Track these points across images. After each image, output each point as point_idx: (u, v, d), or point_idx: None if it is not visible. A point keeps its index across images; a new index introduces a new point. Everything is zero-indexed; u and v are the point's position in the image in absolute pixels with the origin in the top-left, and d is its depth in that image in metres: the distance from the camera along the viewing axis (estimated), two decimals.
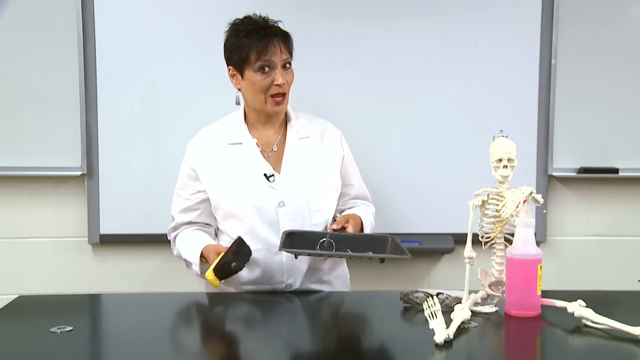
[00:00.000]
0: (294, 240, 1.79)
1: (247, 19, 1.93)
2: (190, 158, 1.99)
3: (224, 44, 1.95)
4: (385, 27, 2.52)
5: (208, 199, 1.97)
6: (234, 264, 1.75)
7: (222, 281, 1.78)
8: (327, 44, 2.50)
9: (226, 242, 1.91)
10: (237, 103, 2.00)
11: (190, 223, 1.99)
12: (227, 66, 1.96)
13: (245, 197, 1.91)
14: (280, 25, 1.94)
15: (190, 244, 1.94)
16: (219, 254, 1.78)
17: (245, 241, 1.79)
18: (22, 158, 2.51)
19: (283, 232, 1.80)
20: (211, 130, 2.02)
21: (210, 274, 1.75)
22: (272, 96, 1.90)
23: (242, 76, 1.92)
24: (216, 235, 2.03)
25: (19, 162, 2.51)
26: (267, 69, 1.88)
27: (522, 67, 2.55)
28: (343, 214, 2.01)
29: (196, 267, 1.88)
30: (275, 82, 1.88)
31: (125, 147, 2.51)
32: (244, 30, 1.90)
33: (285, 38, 1.92)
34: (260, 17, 1.93)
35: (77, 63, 2.47)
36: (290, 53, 1.94)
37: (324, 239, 1.81)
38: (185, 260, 1.94)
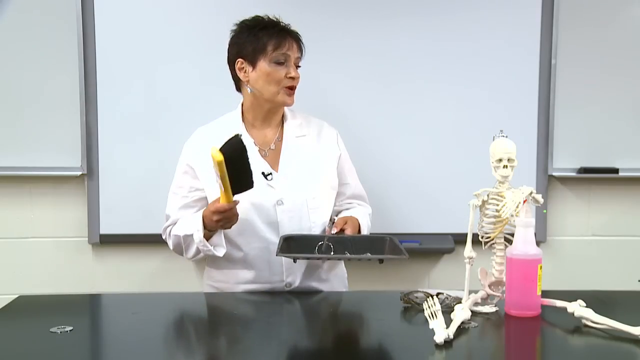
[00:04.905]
0: (291, 245, 1.78)
1: (260, 18, 1.97)
2: (187, 157, 1.99)
3: (232, 39, 1.98)
4: (385, 28, 2.52)
5: (205, 198, 1.96)
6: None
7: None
8: (326, 45, 2.50)
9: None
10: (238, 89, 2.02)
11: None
12: (235, 60, 1.96)
13: (242, 195, 1.90)
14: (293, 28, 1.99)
15: (185, 222, 1.93)
16: (214, 202, 1.78)
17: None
18: (22, 158, 2.51)
19: (280, 237, 1.80)
20: (208, 130, 2.02)
21: (213, 149, 1.67)
22: (285, 87, 1.93)
23: (254, 67, 1.93)
24: None
25: (19, 162, 2.51)
26: (283, 61, 1.92)
27: (522, 67, 2.55)
28: (340, 215, 2.01)
29: (199, 232, 1.85)
30: (289, 75, 1.92)
31: (125, 147, 2.51)
32: (258, 26, 1.95)
33: (298, 39, 1.98)
34: (273, 17, 1.97)
35: (77, 63, 2.47)
36: (301, 54, 1.99)
37: (322, 242, 1.81)
38: (184, 239, 1.90)
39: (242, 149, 1.72)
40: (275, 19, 1.98)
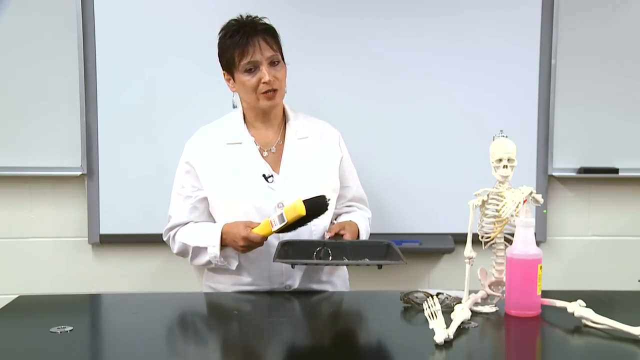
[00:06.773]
0: (289, 250, 1.77)
1: (233, 20, 1.93)
2: (188, 157, 1.97)
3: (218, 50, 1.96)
4: (384, 28, 2.52)
5: (207, 198, 1.96)
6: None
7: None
8: (326, 44, 2.50)
9: None
10: (234, 106, 2.00)
11: (189, 224, 1.98)
12: (223, 71, 1.97)
13: (244, 197, 1.90)
14: (266, 21, 1.93)
15: (199, 231, 1.91)
16: (248, 227, 1.79)
17: None
18: (22, 158, 2.51)
19: (279, 242, 1.79)
20: (210, 130, 2.01)
21: (299, 201, 1.72)
22: (262, 93, 1.89)
23: (233, 79, 1.93)
24: None
25: (19, 162, 2.51)
26: (252, 68, 1.88)
27: (522, 67, 2.55)
28: (339, 220, 2.00)
29: (215, 248, 1.85)
30: (262, 80, 1.87)
31: (125, 147, 2.51)
32: (229, 32, 1.91)
33: (269, 34, 1.90)
34: (246, 16, 1.92)
35: (77, 63, 2.47)
36: (278, 49, 1.92)
37: (321, 248, 1.80)
38: (194, 250, 1.90)
39: (321, 212, 1.77)
40: (243, 20, 1.91)
